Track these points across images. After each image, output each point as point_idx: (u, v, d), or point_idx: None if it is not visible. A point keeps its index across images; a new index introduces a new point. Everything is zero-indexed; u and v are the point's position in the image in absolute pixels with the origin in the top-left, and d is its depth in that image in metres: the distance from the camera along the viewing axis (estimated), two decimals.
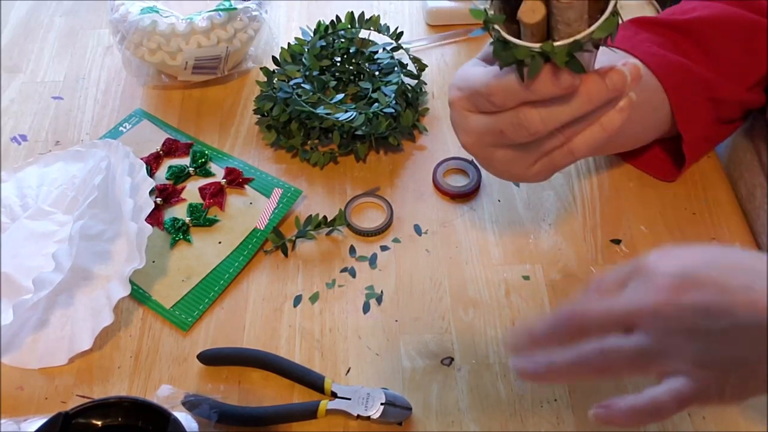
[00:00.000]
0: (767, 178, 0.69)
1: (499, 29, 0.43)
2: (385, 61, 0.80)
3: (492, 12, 0.44)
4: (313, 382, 0.59)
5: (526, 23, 0.41)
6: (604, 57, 0.48)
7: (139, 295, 0.66)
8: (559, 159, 0.50)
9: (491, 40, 0.44)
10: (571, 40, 0.42)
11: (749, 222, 0.70)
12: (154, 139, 0.78)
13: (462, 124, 0.50)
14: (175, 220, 0.70)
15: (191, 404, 0.57)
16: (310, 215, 0.70)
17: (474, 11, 0.44)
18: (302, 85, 0.76)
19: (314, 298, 0.66)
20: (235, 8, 0.79)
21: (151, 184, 0.67)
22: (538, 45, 0.42)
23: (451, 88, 0.51)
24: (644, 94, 0.63)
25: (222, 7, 0.79)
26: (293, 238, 0.70)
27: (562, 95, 0.44)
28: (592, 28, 0.41)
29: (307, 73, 0.78)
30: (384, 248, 0.69)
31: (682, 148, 0.67)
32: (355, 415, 0.57)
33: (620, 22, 0.42)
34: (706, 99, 0.65)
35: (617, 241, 0.69)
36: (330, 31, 0.80)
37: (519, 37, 0.44)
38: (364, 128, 0.73)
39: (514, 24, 0.44)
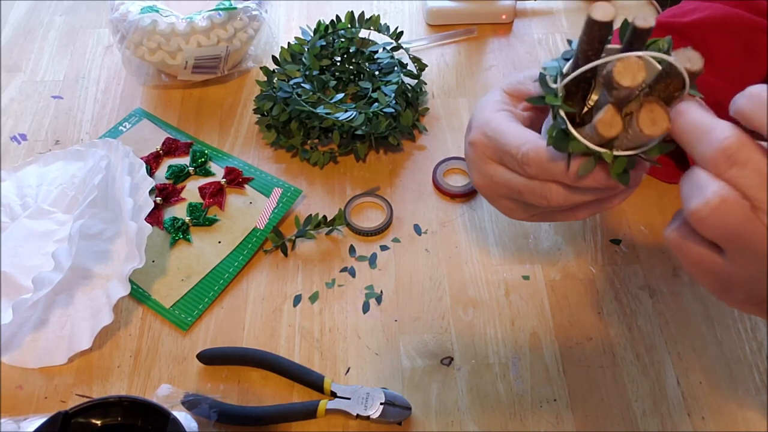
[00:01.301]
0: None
1: (565, 119, 0.42)
2: (385, 61, 0.80)
3: (561, 93, 0.42)
4: (312, 381, 0.59)
5: (599, 133, 0.40)
6: None
7: (138, 294, 0.66)
8: (560, 218, 0.51)
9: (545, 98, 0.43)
10: (630, 153, 0.41)
11: None
12: (154, 138, 0.78)
13: (479, 167, 0.50)
14: (174, 219, 0.70)
15: (191, 404, 0.57)
16: (310, 215, 0.70)
17: (549, 96, 0.43)
18: (302, 84, 0.76)
19: (314, 297, 0.66)
20: (235, 8, 0.79)
21: (150, 183, 0.67)
22: (599, 148, 0.42)
23: (474, 129, 0.50)
24: None
25: (222, 6, 0.79)
26: (293, 238, 0.70)
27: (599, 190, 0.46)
28: (649, 146, 0.41)
29: (307, 72, 0.77)
30: (384, 248, 0.69)
31: (684, 150, 0.67)
32: (355, 414, 0.57)
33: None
34: (707, 104, 0.64)
35: (617, 241, 0.69)
36: (330, 30, 0.80)
37: (575, 118, 0.43)
38: (363, 128, 0.73)
39: (575, 104, 0.43)
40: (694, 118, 0.40)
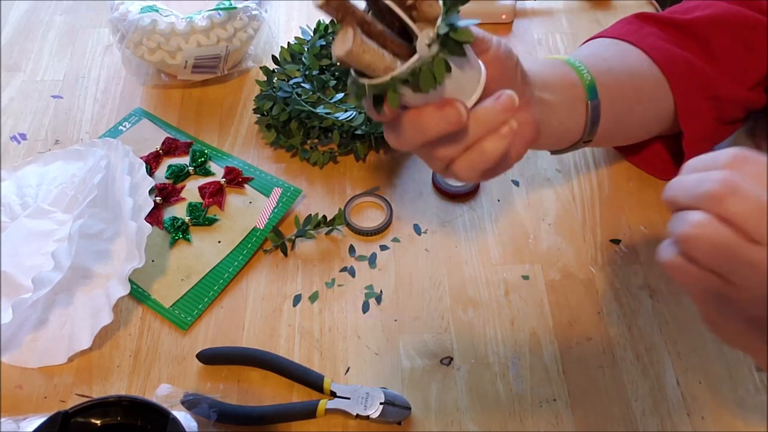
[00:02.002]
0: None
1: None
2: None
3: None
4: (312, 381, 0.59)
5: (337, 56, 0.41)
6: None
7: (138, 294, 0.66)
8: (454, 176, 0.50)
9: None
10: (370, 82, 0.42)
11: None
12: (154, 138, 0.78)
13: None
14: (174, 219, 0.70)
15: (190, 403, 0.57)
16: (310, 215, 0.70)
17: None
18: (302, 84, 0.76)
19: (313, 297, 0.66)
20: (235, 7, 0.79)
21: (150, 183, 0.67)
22: (364, 80, 0.43)
23: None
24: (647, 85, 0.63)
25: (222, 6, 0.79)
26: (293, 238, 0.70)
27: (388, 121, 0.46)
28: (388, 76, 0.41)
29: (307, 72, 0.77)
30: (383, 248, 0.69)
31: (681, 148, 0.67)
32: (354, 414, 0.57)
33: (433, 71, 0.42)
34: (708, 98, 0.65)
35: (617, 241, 0.69)
36: (330, 30, 0.80)
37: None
38: (363, 127, 0.73)
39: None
40: (681, 182, 0.42)
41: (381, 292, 0.66)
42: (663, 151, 0.72)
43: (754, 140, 0.73)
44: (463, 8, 0.43)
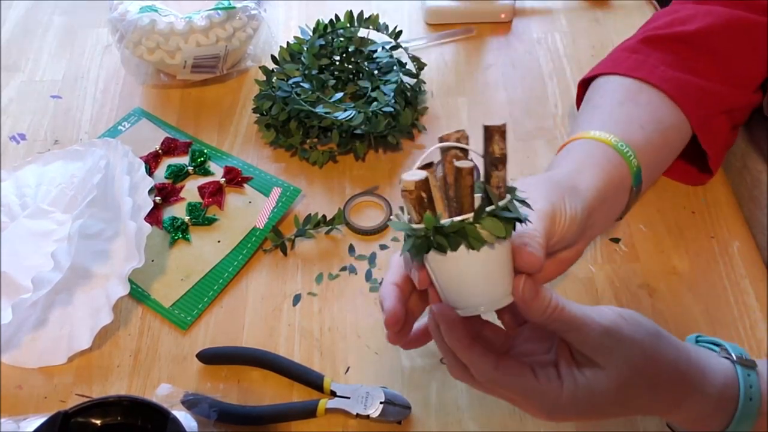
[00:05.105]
0: None
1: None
2: (384, 60, 0.80)
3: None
4: (312, 381, 0.59)
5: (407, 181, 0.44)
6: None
7: (138, 294, 0.66)
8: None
9: None
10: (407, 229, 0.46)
11: (747, 213, 0.71)
12: (153, 138, 0.78)
13: None
14: (174, 219, 0.70)
15: (190, 403, 0.57)
16: (309, 214, 0.70)
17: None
18: (301, 84, 0.76)
19: (313, 296, 0.66)
20: (234, 7, 0.79)
21: (150, 183, 0.67)
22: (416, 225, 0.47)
23: None
24: (673, 135, 0.63)
25: (221, 5, 0.79)
26: (292, 237, 0.70)
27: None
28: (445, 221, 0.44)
29: (306, 72, 0.77)
30: (383, 247, 0.69)
31: (705, 157, 0.67)
32: (355, 413, 0.57)
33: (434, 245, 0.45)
34: (721, 113, 0.65)
35: (616, 240, 0.69)
36: (329, 29, 0.80)
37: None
38: (363, 127, 0.73)
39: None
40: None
41: None
42: (687, 164, 0.71)
43: (752, 143, 0.73)
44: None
